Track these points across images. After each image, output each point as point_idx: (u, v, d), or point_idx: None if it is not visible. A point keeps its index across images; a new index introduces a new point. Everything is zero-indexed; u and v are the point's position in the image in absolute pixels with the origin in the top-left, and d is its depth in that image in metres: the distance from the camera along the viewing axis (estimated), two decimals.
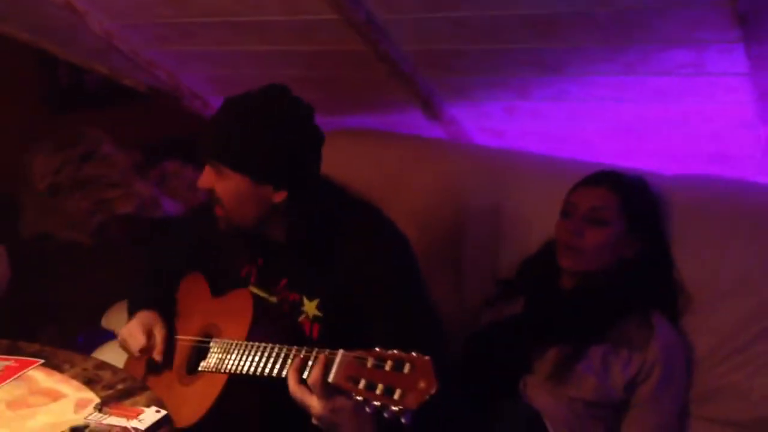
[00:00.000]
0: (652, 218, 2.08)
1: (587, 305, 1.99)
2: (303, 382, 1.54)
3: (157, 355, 1.90)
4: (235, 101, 1.81)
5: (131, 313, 2.00)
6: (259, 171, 1.77)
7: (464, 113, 2.71)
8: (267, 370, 1.63)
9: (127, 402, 1.55)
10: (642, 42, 2.10)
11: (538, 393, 1.95)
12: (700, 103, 2.29)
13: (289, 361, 1.59)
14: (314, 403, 1.51)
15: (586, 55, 2.23)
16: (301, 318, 1.85)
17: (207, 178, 1.83)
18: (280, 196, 1.79)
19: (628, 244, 2.02)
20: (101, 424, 1.45)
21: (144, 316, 1.95)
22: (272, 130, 1.76)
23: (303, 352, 1.58)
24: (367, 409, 1.37)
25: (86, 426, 1.43)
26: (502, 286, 2.22)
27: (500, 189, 2.40)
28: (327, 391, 1.49)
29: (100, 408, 1.51)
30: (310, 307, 1.84)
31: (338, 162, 1.95)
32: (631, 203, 2.03)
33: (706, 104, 2.29)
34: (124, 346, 1.95)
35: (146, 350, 1.90)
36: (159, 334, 1.92)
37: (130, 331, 1.92)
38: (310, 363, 1.54)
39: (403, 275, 1.83)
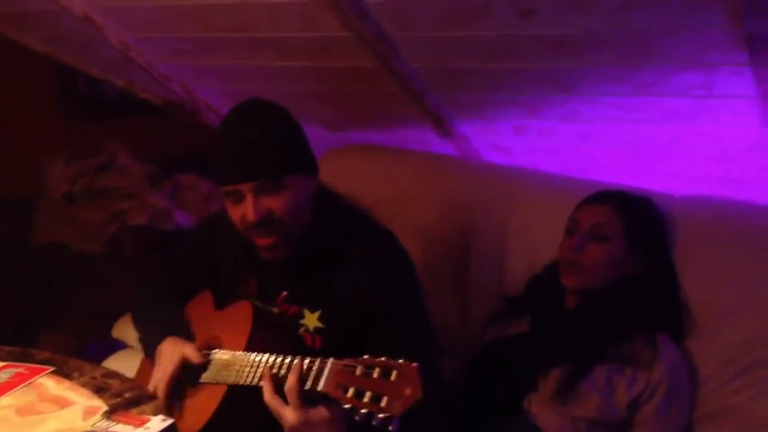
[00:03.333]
0: (657, 238, 2.08)
1: (590, 325, 1.99)
2: (279, 392, 1.55)
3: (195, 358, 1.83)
4: (243, 125, 1.78)
5: (149, 345, 1.96)
6: (304, 161, 1.81)
7: (475, 131, 2.73)
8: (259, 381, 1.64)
9: (135, 410, 1.56)
10: (653, 63, 2.12)
11: (542, 411, 1.95)
12: (709, 125, 2.30)
13: (282, 371, 1.59)
14: (288, 414, 1.52)
15: (598, 75, 2.24)
16: (301, 331, 1.86)
17: (259, 206, 1.74)
18: (315, 182, 1.84)
19: (631, 263, 2.02)
20: (108, 431, 1.46)
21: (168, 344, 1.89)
22: (289, 125, 1.82)
23: (294, 361, 1.58)
24: (356, 417, 1.38)
25: None
26: (508, 304, 2.23)
27: (508, 206, 2.42)
28: (301, 401, 1.51)
29: (108, 416, 1.52)
30: (311, 319, 1.85)
31: (347, 176, 1.98)
32: (635, 222, 2.04)
33: (715, 126, 2.30)
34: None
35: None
36: (190, 349, 1.86)
37: (168, 356, 1.85)
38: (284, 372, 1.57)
39: (403, 285, 1.85)
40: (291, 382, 1.52)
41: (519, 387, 2.00)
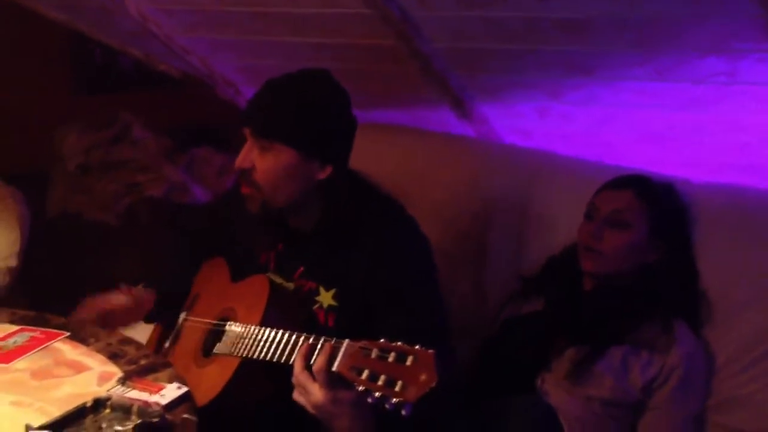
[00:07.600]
0: (677, 225, 2.07)
1: (607, 307, 1.99)
2: (308, 368, 1.54)
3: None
4: (280, 80, 1.82)
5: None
6: (310, 144, 1.78)
7: (494, 113, 2.71)
8: (276, 356, 1.64)
9: (150, 377, 1.57)
10: (675, 48, 2.10)
11: (555, 390, 1.95)
12: (731, 112, 2.28)
13: (298, 347, 1.59)
14: (316, 391, 1.51)
15: (619, 59, 2.23)
16: (315, 307, 1.86)
17: (248, 155, 1.80)
18: (325, 173, 1.80)
19: (650, 250, 2.01)
20: (123, 397, 1.46)
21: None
22: (321, 106, 1.79)
23: (312, 339, 1.58)
24: (369, 400, 1.37)
25: (109, 398, 1.44)
26: (525, 284, 2.22)
27: (526, 189, 2.41)
28: (330, 380, 1.49)
29: (123, 381, 1.53)
30: (326, 297, 1.85)
31: (367, 156, 1.96)
32: (656, 208, 2.02)
33: (737, 114, 2.28)
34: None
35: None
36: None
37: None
38: (317, 350, 1.55)
39: (422, 274, 1.84)
40: (320, 362, 1.50)
41: (532, 365, 2.00)
